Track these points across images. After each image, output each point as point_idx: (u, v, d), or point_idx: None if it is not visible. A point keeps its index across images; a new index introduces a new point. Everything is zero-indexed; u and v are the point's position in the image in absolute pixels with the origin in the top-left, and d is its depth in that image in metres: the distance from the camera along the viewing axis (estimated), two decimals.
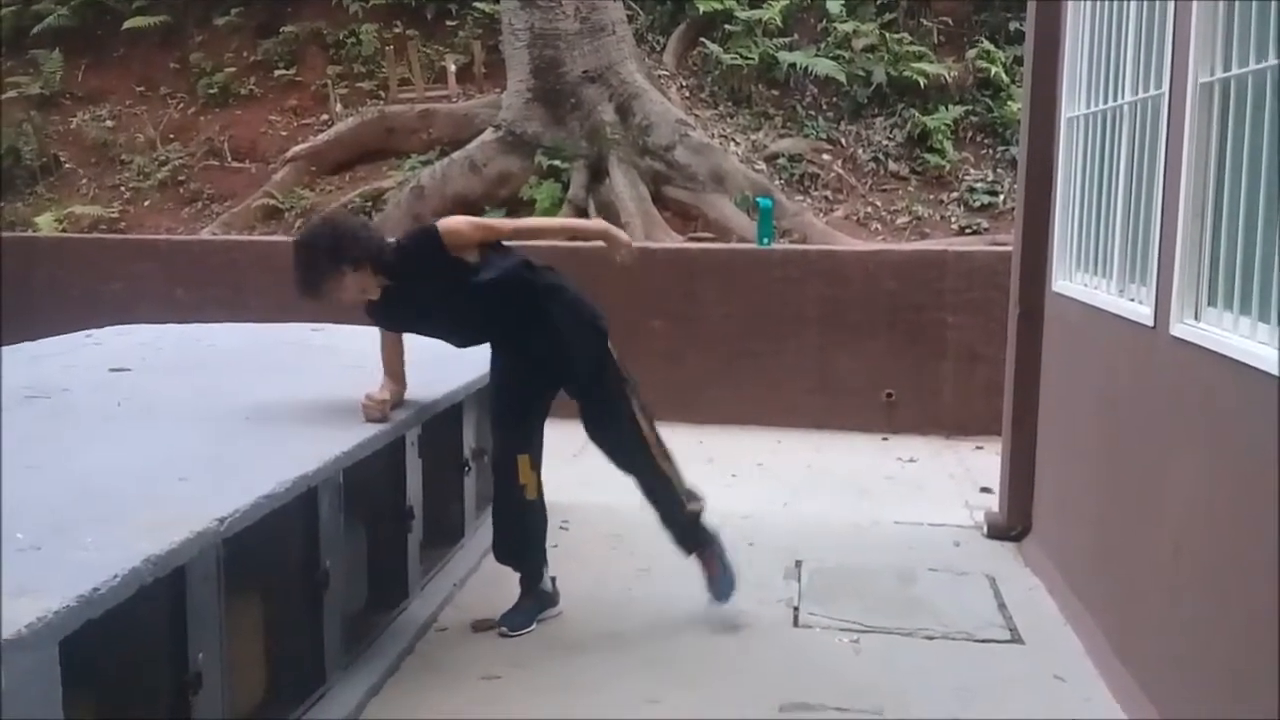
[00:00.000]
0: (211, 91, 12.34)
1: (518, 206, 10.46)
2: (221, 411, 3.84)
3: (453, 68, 11.96)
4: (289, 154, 11.53)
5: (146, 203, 11.51)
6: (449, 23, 12.53)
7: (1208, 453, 3.15)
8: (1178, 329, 3.33)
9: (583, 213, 10.01)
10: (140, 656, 2.66)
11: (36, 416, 3.67)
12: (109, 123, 12.36)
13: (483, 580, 4.68)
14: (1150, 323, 3.58)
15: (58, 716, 2.08)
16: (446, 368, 4.85)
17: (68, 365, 4.58)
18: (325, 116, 12.01)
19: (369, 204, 10.87)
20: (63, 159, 12.07)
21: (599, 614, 4.01)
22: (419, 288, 3.96)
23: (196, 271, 8.43)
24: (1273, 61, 2.83)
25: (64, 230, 10.79)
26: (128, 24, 12.71)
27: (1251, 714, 2.77)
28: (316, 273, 3.83)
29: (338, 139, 11.51)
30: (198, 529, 2.59)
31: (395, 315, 4.05)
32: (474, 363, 4.97)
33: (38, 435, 3.40)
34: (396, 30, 12.43)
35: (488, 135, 10.82)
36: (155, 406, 3.91)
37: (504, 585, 4.62)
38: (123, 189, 11.68)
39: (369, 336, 5.69)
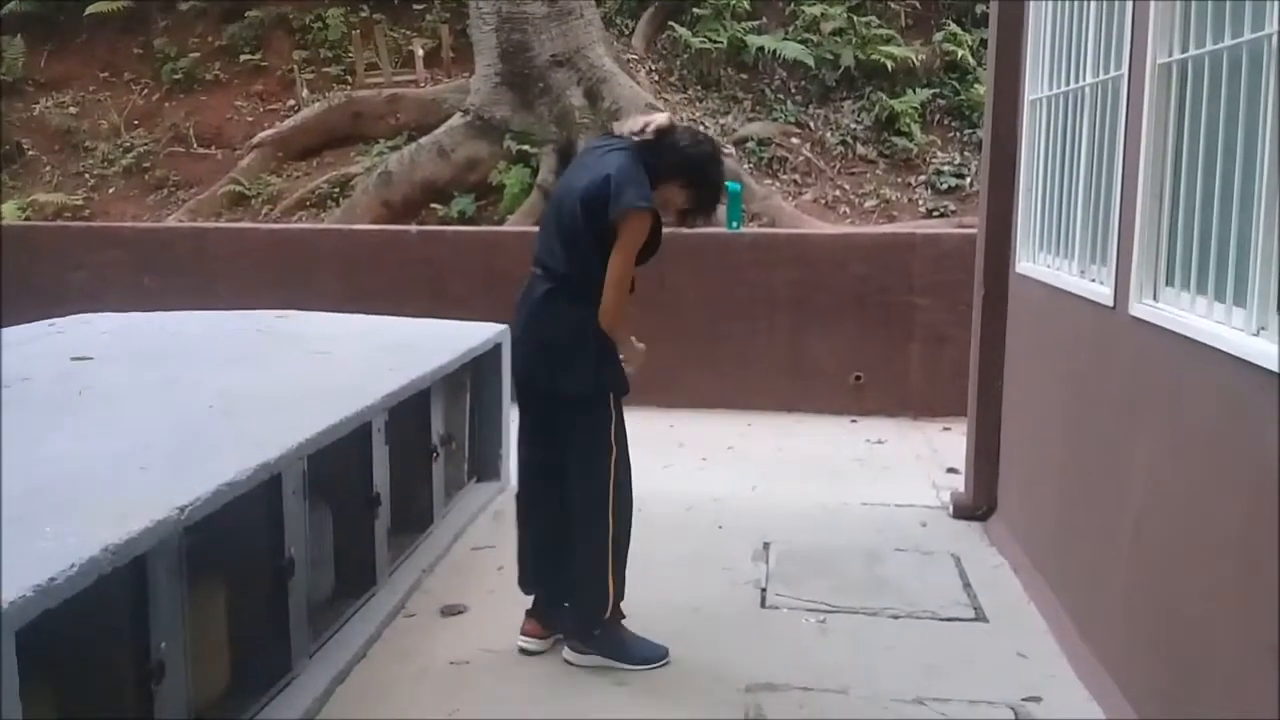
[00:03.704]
0: (176, 77, 12.24)
1: (487, 191, 10.44)
2: (184, 399, 3.82)
3: (420, 52, 11.90)
4: (255, 140, 11.46)
5: (111, 190, 11.42)
6: (416, 7, 12.48)
7: (1167, 431, 3.18)
8: (1137, 309, 3.36)
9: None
10: (101, 646, 2.65)
11: None
12: (72, 109, 12.24)
13: (451, 566, 4.68)
14: (1110, 303, 3.61)
15: (15, 707, 2.07)
16: (414, 353, 4.84)
17: (29, 355, 4.54)
18: (291, 102, 11.94)
19: (336, 190, 10.82)
20: (26, 146, 11.94)
21: None
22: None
23: (163, 259, 8.35)
24: (1229, 42, 2.85)
25: (28, 218, 10.69)
26: (91, 9, 12.58)
27: (1212, 691, 2.81)
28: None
29: (304, 124, 11.45)
30: (158, 518, 2.57)
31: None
32: (440, 350, 4.97)
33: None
34: (363, 14, 12.37)
35: (456, 120, 10.78)
36: (117, 395, 3.87)
37: (473, 571, 4.63)
38: (87, 176, 11.58)
39: (335, 322, 5.69)
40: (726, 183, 3.89)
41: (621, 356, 3.76)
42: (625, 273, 3.62)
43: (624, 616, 3.86)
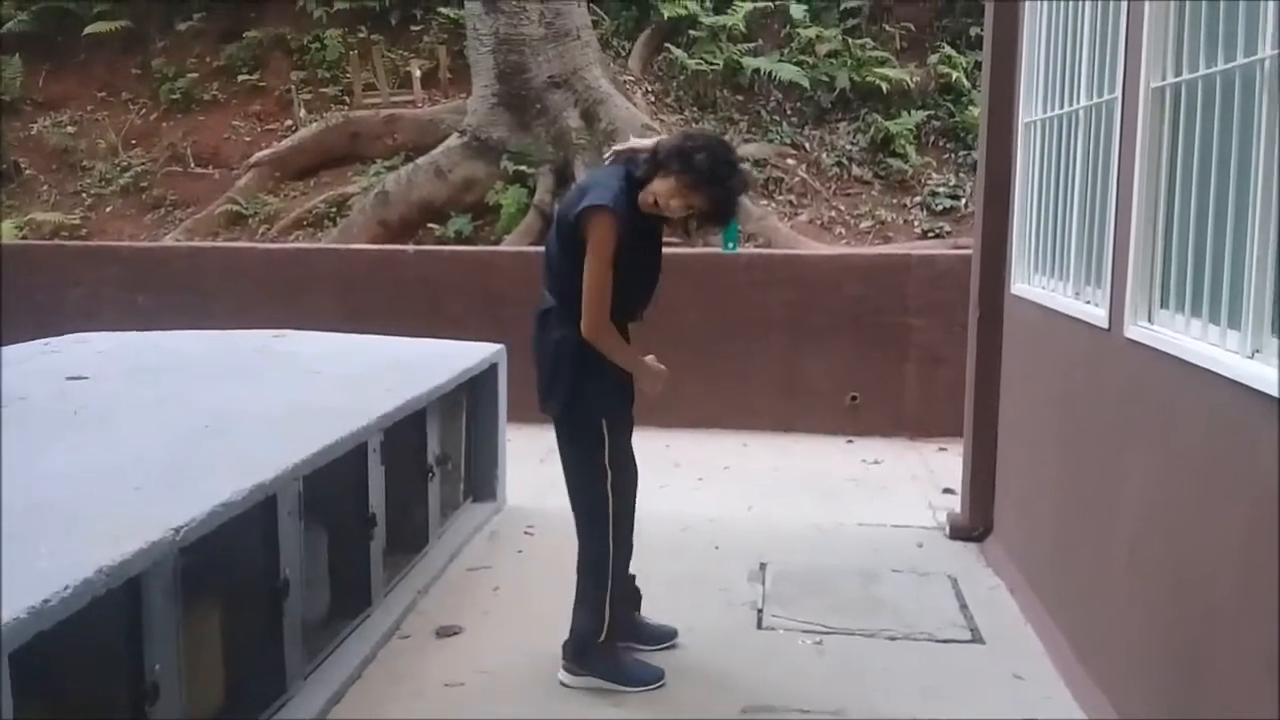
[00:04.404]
0: (174, 97, 12.27)
1: (484, 212, 10.46)
2: (179, 419, 3.81)
3: (418, 73, 11.93)
4: (252, 160, 11.47)
5: (108, 209, 11.43)
6: (414, 28, 12.51)
7: (1163, 453, 3.18)
8: (1131, 331, 3.37)
9: (549, 218, 9.99)
10: (96, 667, 2.63)
11: None
12: (70, 129, 12.26)
13: (447, 587, 4.67)
14: (1105, 325, 3.62)
15: None
16: (410, 373, 4.84)
17: (25, 374, 4.53)
18: (289, 122, 11.96)
19: (333, 209, 10.83)
20: (23, 165, 11.95)
21: (563, 619, 3.99)
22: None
23: (160, 278, 8.36)
24: (1223, 66, 2.87)
25: (24, 237, 10.68)
26: (89, 29, 12.61)
27: (1209, 713, 2.81)
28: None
29: (302, 144, 11.47)
30: (152, 538, 2.57)
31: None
32: (436, 370, 4.97)
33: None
34: (361, 35, 12.40)
35: (453, 140, 10.81)
36: (112, 414, 3.87)
37: (468, 592, 4.62)
38: (84, 195, 11.59)
39: (331, 342, 5.69)
40: (724, 172, 3.59)
41: (638, 382, 3.75)
42: (598, 280, 3.52)
43: (620, 639, 3.86)
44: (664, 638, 4.08)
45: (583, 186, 3.67)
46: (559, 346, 3.65)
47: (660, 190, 3.58)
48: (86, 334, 5.75)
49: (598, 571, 3.76)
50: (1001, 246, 5.14)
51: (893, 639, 4.19)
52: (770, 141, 10.89)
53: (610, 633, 3.78)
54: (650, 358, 3.77)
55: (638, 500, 3.91)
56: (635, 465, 3.92)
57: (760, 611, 4.44)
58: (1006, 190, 5.08)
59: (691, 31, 11.69)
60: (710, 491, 6.28)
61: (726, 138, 10.81)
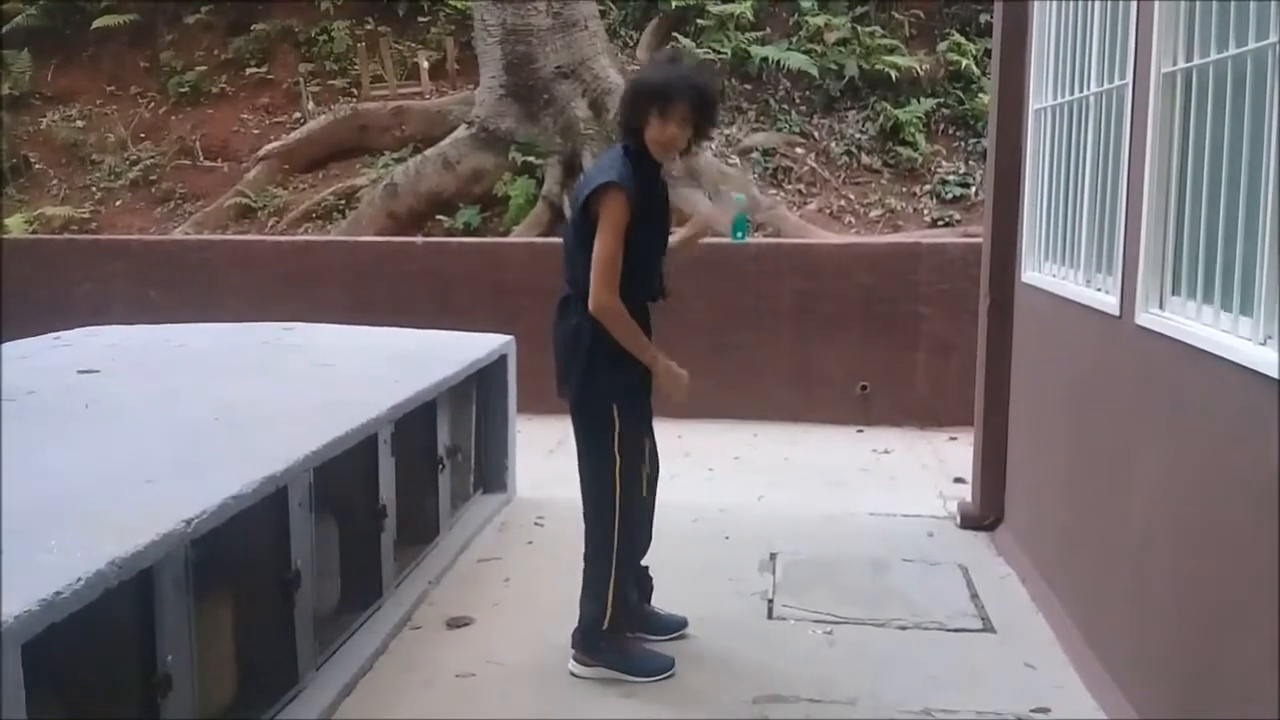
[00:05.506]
0: (182, 90, 12.27)
1: (492, 203, 10.45)
2: (190, 412, 3.82)
3: (425, 64, 11.93)
4: (261, 152, 11.48)
5: (118, 203, 11.44)
6: (421, 19, 12.50)
7: (1174, 440, 3.17)
8: (1143, 318, 3.35)
9: (558, 209, 9.98)
10: (108, 659, 2.65)
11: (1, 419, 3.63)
12: (79, 123, 12.27)
13: (457, 578, 4.68)
14: (1116, 312, 3.60)
15: None
16: (419, 365, 4.84)
17: (35, 367, 4.55)
18: (297, 114, 11.96)
19: (342, 202, 10.83)
20: (33, 160, 11.97)
21: (573, 609, 4.00)
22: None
23: (169, 272, 8.38)
24: (1234, 51, 2.85)
25: (34, 232, 10.71)
26: (97, 23, 12.61)
27: (1220, 701, 2.80)
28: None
29: (310, 137, 11.46)
30: (164, 531, 2.58)
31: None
32: (445, 361, 4.97)
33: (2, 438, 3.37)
34: (368, 27, 12.39)
35: (461, 132, 10.79)
36: (123, 408, 3.88)
37: (479, 583, 4.63)
38: (94, 189, 11.60)
39: (341, 334, 5.70)
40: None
41: (656, 380, 3.74)
42: (607, 256, 3.52)
43: (630, 629, 3.86)
44: (674, 627, 4.08)
45: (588, 173, 3.72)
46: (575, 332, 3.66)
47: (655, 138, 3.60)
48: (97, 328, 5.77)
49: (602, 558, 3.76)
50: (1012, 234, 5.12)
51: (903, 628, 4.19)
52: (779, 130, 10.85)
53: (613, 621, 3.78)
54: (671, 363, 3.76)
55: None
56: (656, 456, 3.92)
57: (771, 601, 4.44)
58: (1017, 178, 5.06)
59: (699, 20, 11.65)
60: (721, 481, 6.28)
61: (731, 126, 10.80)
